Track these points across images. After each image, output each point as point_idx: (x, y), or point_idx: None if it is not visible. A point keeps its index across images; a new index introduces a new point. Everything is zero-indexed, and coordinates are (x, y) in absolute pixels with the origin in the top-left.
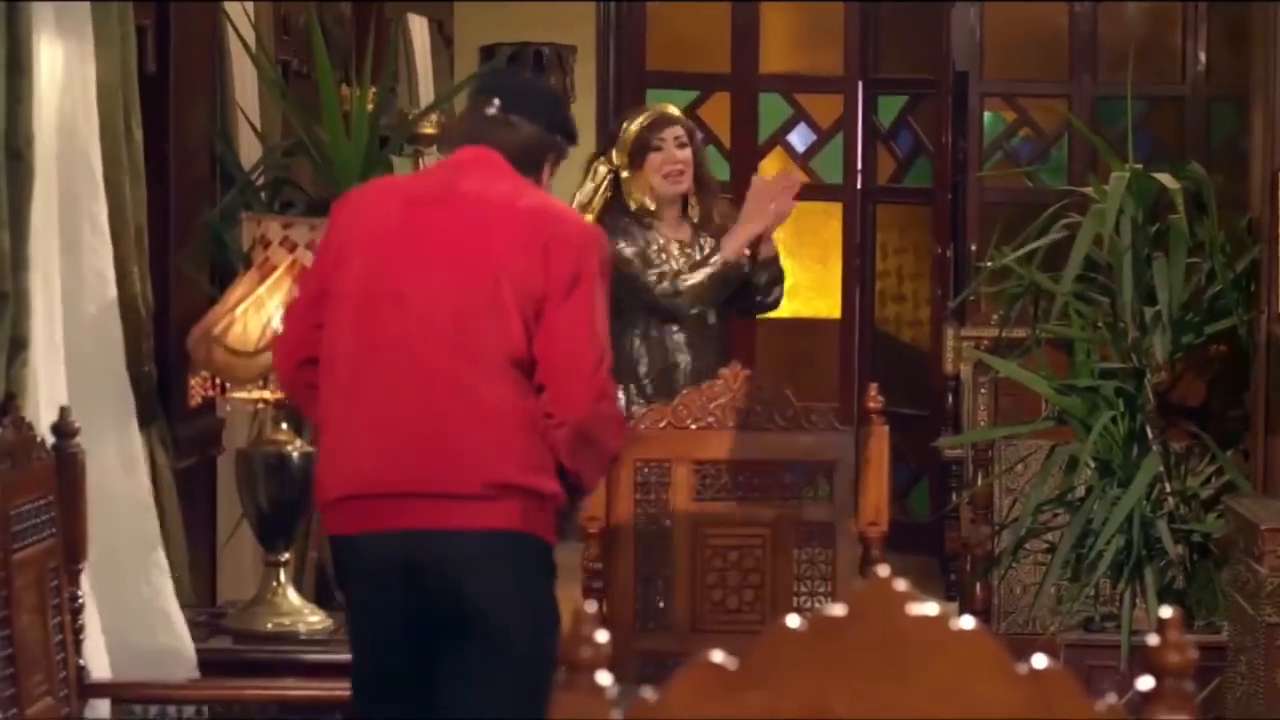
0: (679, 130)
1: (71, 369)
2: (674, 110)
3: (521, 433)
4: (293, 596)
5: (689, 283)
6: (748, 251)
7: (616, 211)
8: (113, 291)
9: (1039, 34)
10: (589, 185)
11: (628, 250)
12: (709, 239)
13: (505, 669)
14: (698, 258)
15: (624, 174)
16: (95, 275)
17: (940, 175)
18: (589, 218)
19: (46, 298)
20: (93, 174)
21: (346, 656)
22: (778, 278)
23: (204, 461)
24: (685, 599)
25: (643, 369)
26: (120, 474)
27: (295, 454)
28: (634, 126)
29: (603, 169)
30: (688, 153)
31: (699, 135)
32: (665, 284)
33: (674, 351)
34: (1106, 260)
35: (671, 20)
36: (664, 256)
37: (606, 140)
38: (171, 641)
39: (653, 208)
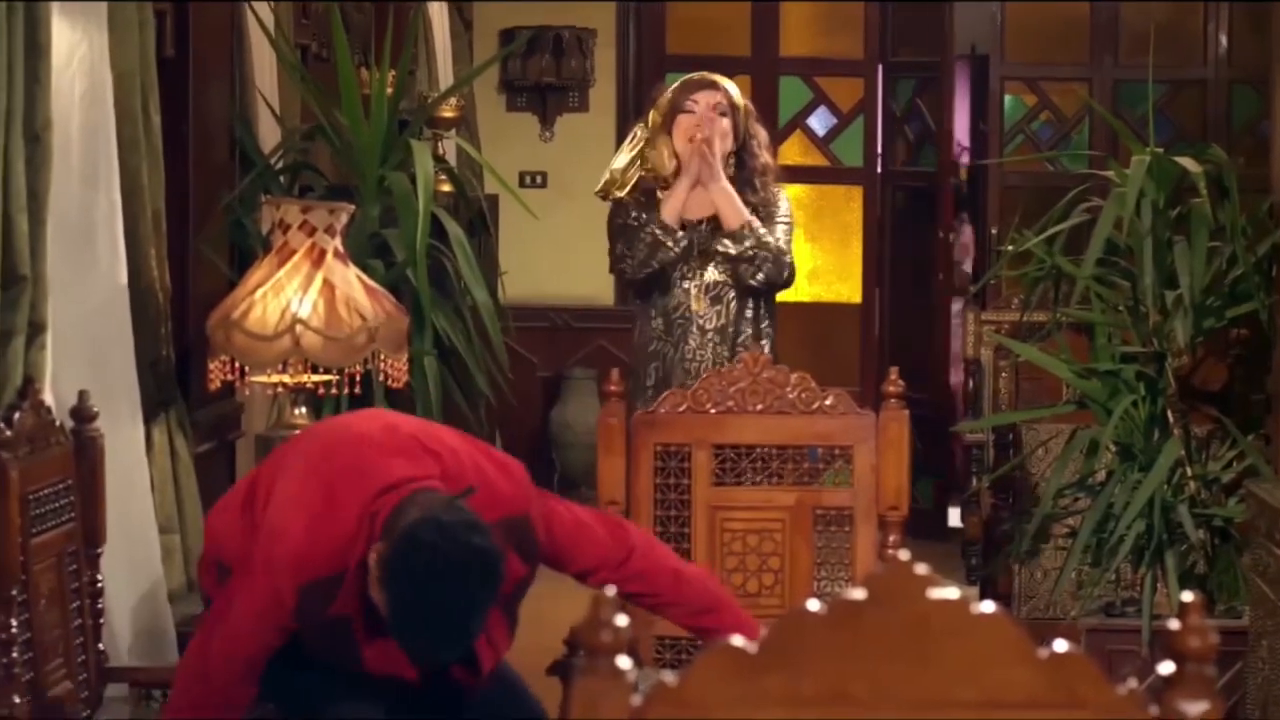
0: (717, 97)
1: (87, 353)
2: (720, 79)
3: None
4: None
5: (633, 247)
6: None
7: (638, 193)
8: (123, 276)
9: (1060, 17)
10: (625, 155)
11: (617, 222)
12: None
13: None
14: (719, 246)
15: (649, 135)
16: (106, 259)
17: (943, 160)
18: (619, 193)
19: (64, 282)
20: (111, 158)
21: None
22: (756, 255)
23: (223, 445)
24: None
25: (641, 367)
26: (129, 458)
27: None
28: (672, 88)
29: (639, 133)
30: (724, 123)
31: (752, 114)
32: (624, 258)
33: (652, 340)
34: (1127, 244)
35: (691, 4)
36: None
37: (651, 105)
38: (162, 625)
39: (667, 172)
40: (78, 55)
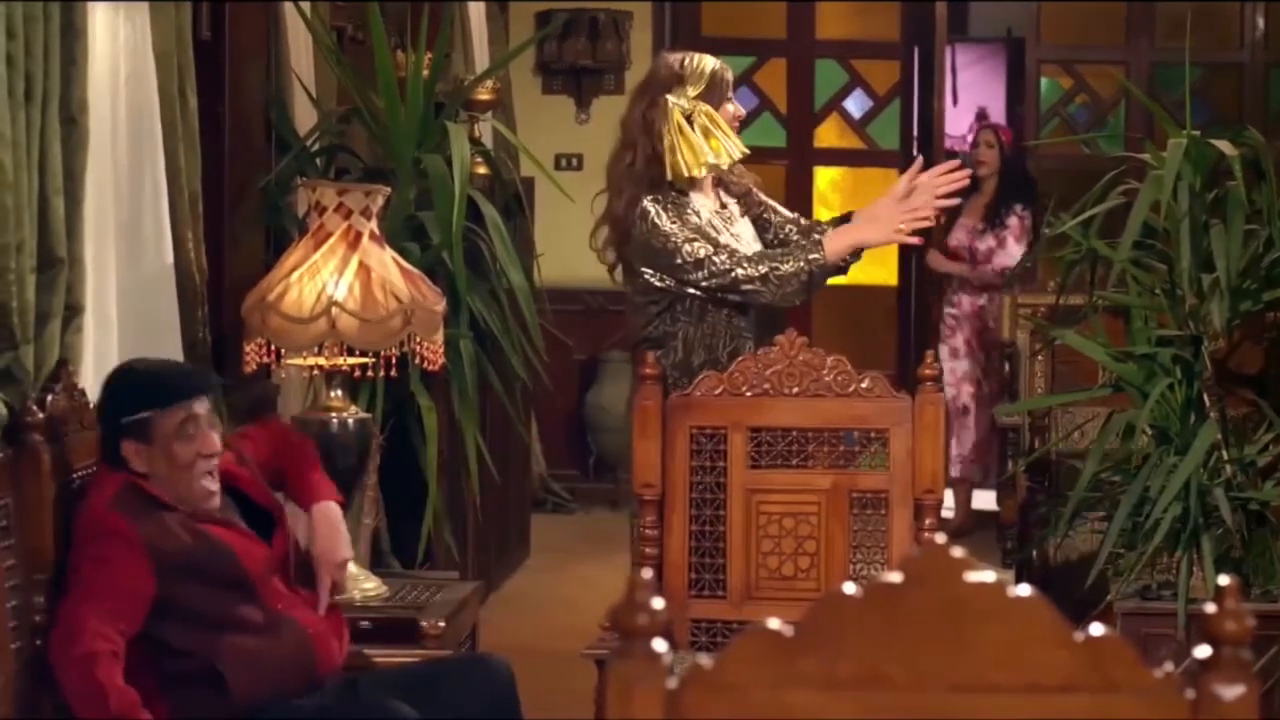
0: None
1: (126, 335)
2: None
3: None
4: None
5: (779, 272)
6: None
7: (661, 183)
8: (168, 258)
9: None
10: (665, 124)
11: (685, 230)
12: (733, 202)
13: None
14: (730, 227)
15: (706, 110)
16: (151, 241)
17: (936, 144)
18: (671, 156)
19: (102, 264)
20: (150, 140)
21: (402, 621)
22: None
23: None
24: (740, 566)
25: (696, 360)
26: None
27: (350, 420)
28: (713, 67)
29: (676, 109)
30: None
31: None
32: (748, 269)
33: (732, 337)
34: (1164, 227)
35: None
36: (713, 233)
37: (670, 78)
38: None
39: (735, 147)
40: (121, 36)
